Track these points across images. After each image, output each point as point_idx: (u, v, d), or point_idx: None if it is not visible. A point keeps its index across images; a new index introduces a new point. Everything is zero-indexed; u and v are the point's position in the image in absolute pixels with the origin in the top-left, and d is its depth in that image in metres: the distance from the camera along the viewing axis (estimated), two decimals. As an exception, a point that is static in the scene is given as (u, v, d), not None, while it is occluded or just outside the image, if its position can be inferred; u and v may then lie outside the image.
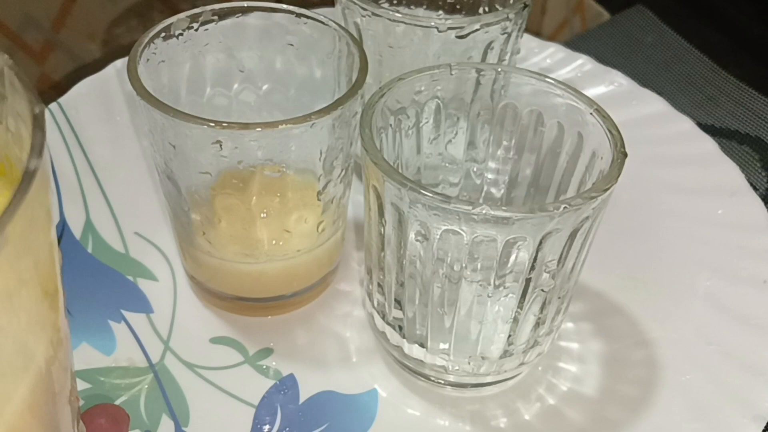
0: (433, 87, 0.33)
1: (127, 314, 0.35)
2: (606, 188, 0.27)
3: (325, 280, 0.37)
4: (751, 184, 0.42)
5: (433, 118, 0.34)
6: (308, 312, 0.37)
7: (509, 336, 0.31)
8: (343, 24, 0.37)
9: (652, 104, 0.47)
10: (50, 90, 0.56)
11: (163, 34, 0.33)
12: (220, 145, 0.30)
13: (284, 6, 0.35)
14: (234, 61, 0.36)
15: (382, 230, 0.30)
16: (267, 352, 0.35)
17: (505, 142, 0.35)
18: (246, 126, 0.29)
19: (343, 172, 0.34)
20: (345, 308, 0.37)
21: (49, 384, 0.19)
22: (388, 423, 0.32)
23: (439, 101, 0.33)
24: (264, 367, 0.34)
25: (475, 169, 0.36)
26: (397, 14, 0.36)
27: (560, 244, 0.28)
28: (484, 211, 0.26)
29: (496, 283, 0.29)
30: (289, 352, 0.35)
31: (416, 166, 0.35)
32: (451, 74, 0.33)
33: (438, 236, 0.28)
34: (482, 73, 0.33)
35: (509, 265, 0.28)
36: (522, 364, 0.32)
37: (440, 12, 0.43)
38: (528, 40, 0.50)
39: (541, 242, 0.27)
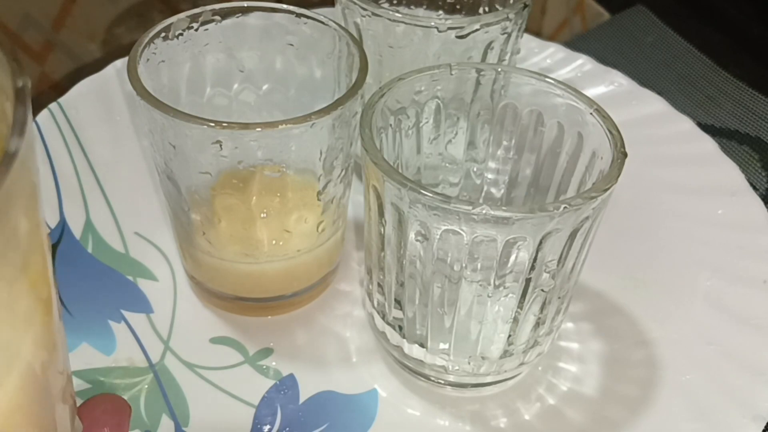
0: (433, 87, 0.33)
1: (127, 314, 0.35)
2: (606, 188, 0.27)
3: (325, 280, 0.37)
4: (751, 184, 0.42)
5: (433, 118, 0.34)
6: (308, 312, 0.37)
7: (509, 336, 0.31)
8: (343, 24, 0.37)
9: (652, 104, 0.47)
10: (50, 90, 0.55)
11: (163, 34, 0.33)
12: (220, 145, 0.30)
13: (284, 6, 0.35)
14: (234, 61, 0.36)
15: (382, 230, 0.30)
16: (267, 352, 0.35)
17: (505, 142, 0.35)
18: (246, 126, 0.29)
19: (343, 172, 0.34)
20: (345, 308, 0.37)
21: (44, 386, 0.19)
22: (388, 423, 0.32)
23: (439, 101, 0.33)
24: (264, 367, 0.34)
25: (475, 169, 0.36)
26: (397, 14, 0.36)
27: (560, 244, 0.28)
28: (484, 211, 0.26)
29: (496, 283, 0.29)
30: (289, 352, 0.35)
31: (416, 166, 0.35)
32: (451, 74, 0.33)
33: (438, 236, 0.28)
34: (482, 73, 0.33)
35: (509, 265, 0.28)
36: (522, 364, 0.32)
37: (440, 12, 0.43)
38: (528, 40, 0.50)
39: (541, 242, 0.27)
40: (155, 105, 0.30)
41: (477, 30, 0.36)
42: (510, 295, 0.30)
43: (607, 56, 0.52)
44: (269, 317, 0.36)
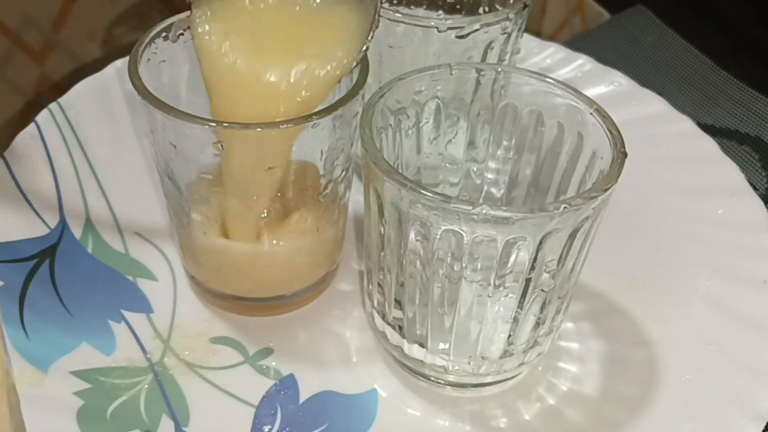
0: (433, 87, 0.33)
1: (127, 314, 0.35)
2: (606, 188, 0.27)
3: (325, 280, 0.37)
4: (751, 184, 0.42)
5: (433, 118, 0.34)
6: (308, 312, 0.37)
7: (509, 336, 0.31)
8: (343, 24, 0.37)
9: (652, 104, 0.47)
10: (50, 90, 0.55)
11: (163, 34, 0.33)
12: (221, 145, 0.30)
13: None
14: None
15: (382, 230, 0.30)
16: (267, 352, 0.35)
17: (505, 142, 0.35)
18: (246, 126, 0.29)
19: (344, 173, 0.34)
20: (345, 308, 0.37)
21: None
22: (388, 423, 0.32)
23: (439, 101, 0.33)
24: (264, 367, 0.34)
25: (475, 169, 0.36)
26: (397, 14, 0.36)
27: (560, 244, 0.28)
28: (484, 211, 0.26)
29: (496, 283, 0.29)
30: (289, 352, 0.35)
31: (416, 166, 0.35)
32: (451, 74, 0.33)
33: (438, 236, 0.28)
34: (482, 73, 0.33)
35: (509, 265, 0.28)
36: (522, 364, 0.32)
37: (440, 12, 0.43)
38: (528, 40, 0.50)
39: (541, 242, 0.27)
40: (156, 105, 0.30)
41: (477, 30, 0.36)
42: (510, 295, 0.30)
43: (607, 56, 0.52)
44: (269, 317, 0.36)
